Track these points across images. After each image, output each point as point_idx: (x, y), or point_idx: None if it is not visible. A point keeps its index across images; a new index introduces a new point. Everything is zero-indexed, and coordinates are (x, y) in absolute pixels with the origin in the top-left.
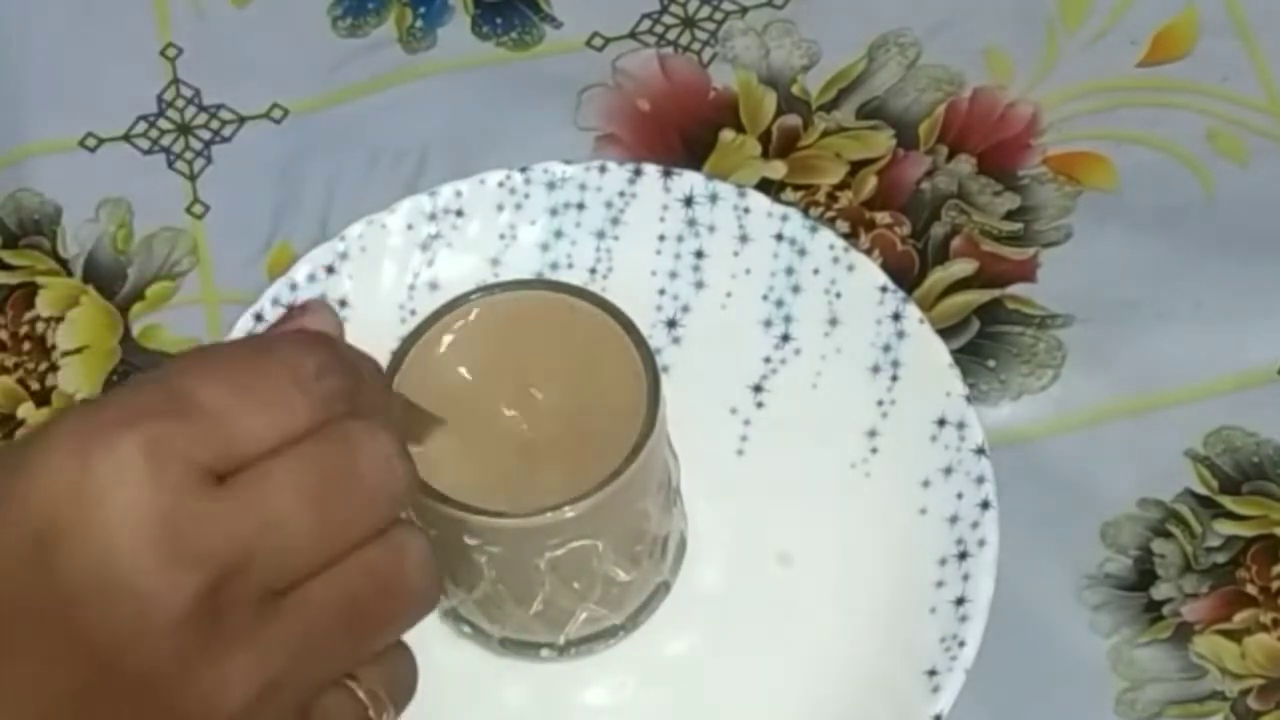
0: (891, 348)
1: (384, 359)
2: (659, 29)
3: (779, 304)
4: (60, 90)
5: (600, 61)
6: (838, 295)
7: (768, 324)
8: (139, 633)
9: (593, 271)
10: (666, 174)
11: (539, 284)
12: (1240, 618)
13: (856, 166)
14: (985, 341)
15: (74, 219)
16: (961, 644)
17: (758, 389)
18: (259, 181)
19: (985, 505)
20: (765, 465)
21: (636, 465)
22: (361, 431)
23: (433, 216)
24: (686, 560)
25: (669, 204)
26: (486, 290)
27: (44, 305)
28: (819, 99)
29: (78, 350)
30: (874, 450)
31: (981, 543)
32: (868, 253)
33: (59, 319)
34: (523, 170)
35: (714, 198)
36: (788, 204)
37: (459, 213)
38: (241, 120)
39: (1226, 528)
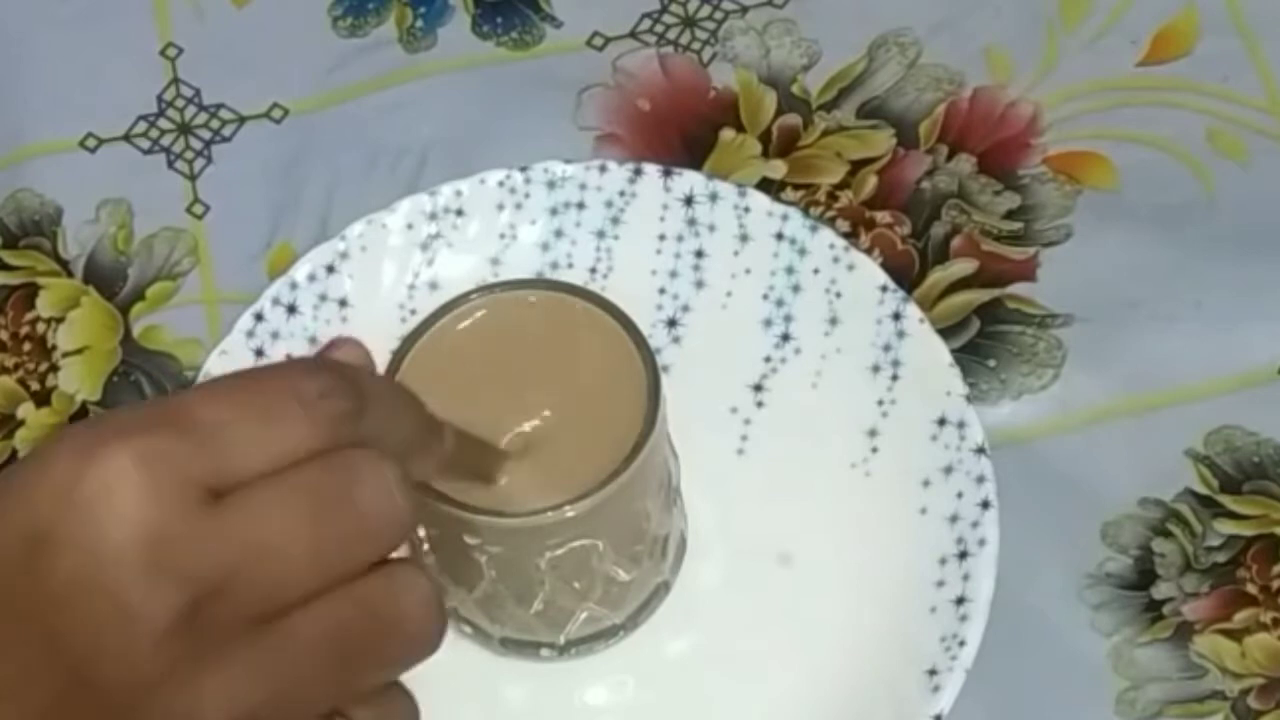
0: (892, 347)
1: (384, 359)
2: (659, 28)
3: (779, 303)
4: (60, 91)
5: (600, 61)
6: (838, 295)
7: (768, 323)
8: (117, 643)
9: (593, 271)
10: (666, 173)
11: (538, 284)
12: (1240, 617)
13: (857, 166)
14: (985, 341)
15: (74, 220)
16: (962, 643)
17: (758, 388)
18: (259, 181)
19: (985, 505)
20: (765, 465)
21: (637, 465)
22: (363, 460)
23: (433, 216)
24: (686, 560)
25: (669, 203)
26: (486, 290)
27: (44, 306)
28: (819, 98)
29: (78, 351)
30: (874, 450)
31: (982, 542)
32: (868, 252)
33: (59, 319)
34: (523, 170)
35: (714, 197)
36: (788, 203)
37: (459, 212)
38: (241, 120)
39: (1227, 527)
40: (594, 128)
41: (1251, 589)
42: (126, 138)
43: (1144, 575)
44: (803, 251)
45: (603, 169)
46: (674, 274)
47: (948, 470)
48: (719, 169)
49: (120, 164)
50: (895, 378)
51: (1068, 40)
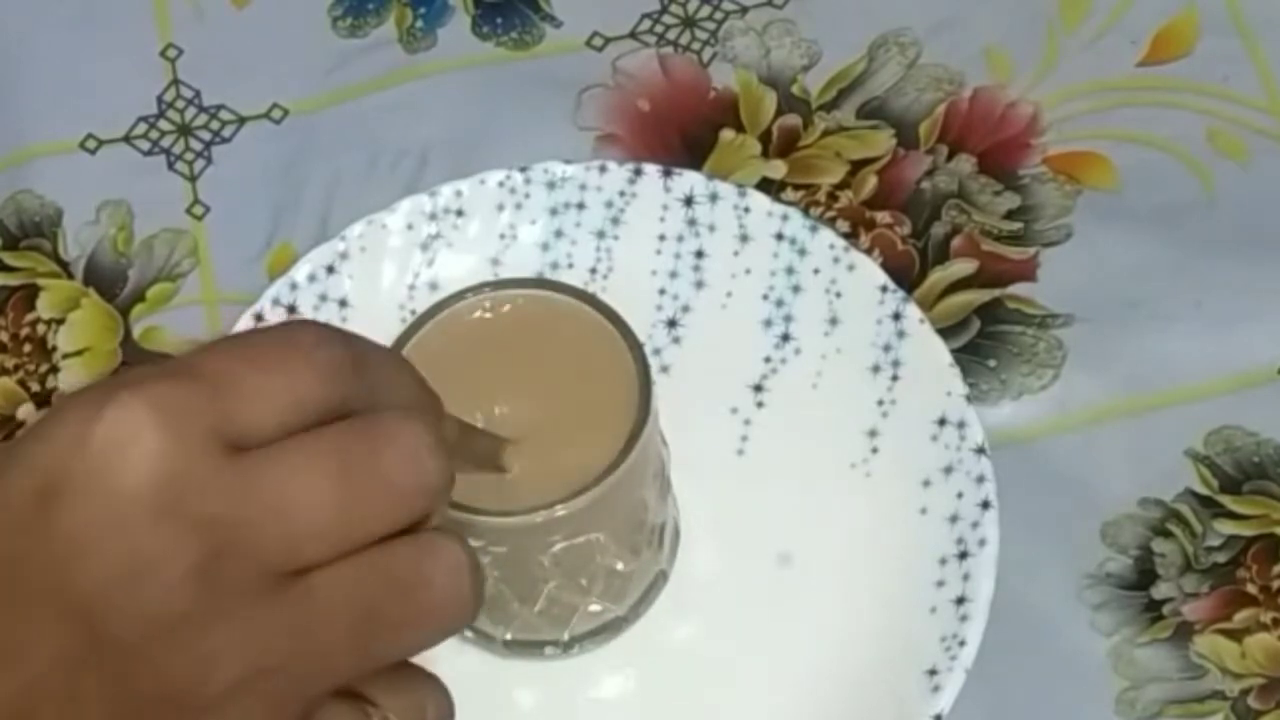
0: (892, 347)
1: None
2: (659, 28)
3: (779, 303)
4: (60, 92)
5: (600, 61)
6: (838, 295)
7: (768, 323)
8: (131, 592)
9: (593, 271)
10: (666, 174)
11: (525, 282)
12: (1240, 617)
13: (857, 166)
14: (985, 341)
15: (74, 221)
16: (962, 643)
17: (758, 389)
18: (259, 182)
19: (985, 505)
20: (765, 465)
21: (634, 456)
22: (390, 421)
23: (433, 216)
24: (688, 559)
25: (669, 204)
26: (475, 289)
27: (45, 307)
28: (819, 99)
29: (78, 352)
30: (874, 450)
31: (982, 542)
32: (868, 252)
33: (60, 321)
34: (523, 170)
35: (714, 197)
36: (788, 203)
37: (459, 212)
38: (241, 121)
39: (1227, 527)
40: (594, 128)
41: (1251, 589)
42: (126, 139)
43: (1144, 575)
44: (803, 252)
45: (603, 169)
46: (674, 274)
47: (948, 470)
48: (719, 169)
49: (120, 165)
50: (895, 378)
51: (1068, 40)
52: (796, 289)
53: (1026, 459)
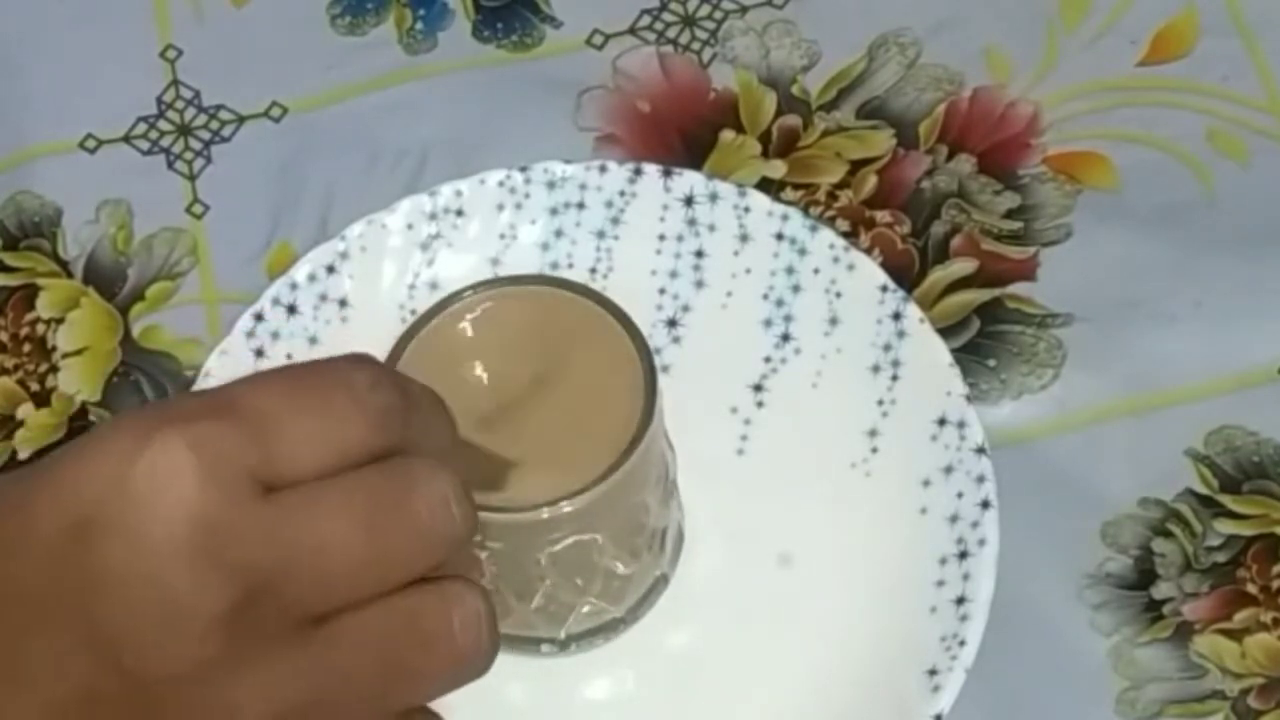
0: (892, 347)
1: (383, 358)
2: (659, 26)
3: (779, 303)
4: (60, 92)
5: (600, 62)
6: (838, 294)
7: (768, 323)
8: (161, 634)
9: (593, 271)
10: (666, 173)
11: (532, 279)
12: (1240, 617)
13: (856, 166)
14: (985, 341)
15: (74, 220)
16: (962, 643)
17: (758, 388)
18: (259, 181)
19: (985, 504)
20: (765, 465)
21: (635, 458)
22: (422, 468)
23: (433, 216)
24: (687, 560)
25: (669, 203)
26: (481, 286)
27: (44, 307)
28: (819, 99)
29: (78, 352)
30: (874, 450)
31: (982, 542)
32: (868, 252)
33: (59, 320)
34: (523, 170)
35: (714, 197)
36: (788, 203)
37: (459, 212)
38: (241, 120)
39: (1227, 527)
40: (594, 129)
41: (1251, 589)
42: (126, 139)
43: (1144, 575)
44: (803, 251)
45: (603, 169)
46: (674, 274)
47: (948, 470)
48: (719, 170)
49: (120, 165)
50: (895, 378)
51: (1068, 40)
52: (796, 289)
53: (1026, 459)
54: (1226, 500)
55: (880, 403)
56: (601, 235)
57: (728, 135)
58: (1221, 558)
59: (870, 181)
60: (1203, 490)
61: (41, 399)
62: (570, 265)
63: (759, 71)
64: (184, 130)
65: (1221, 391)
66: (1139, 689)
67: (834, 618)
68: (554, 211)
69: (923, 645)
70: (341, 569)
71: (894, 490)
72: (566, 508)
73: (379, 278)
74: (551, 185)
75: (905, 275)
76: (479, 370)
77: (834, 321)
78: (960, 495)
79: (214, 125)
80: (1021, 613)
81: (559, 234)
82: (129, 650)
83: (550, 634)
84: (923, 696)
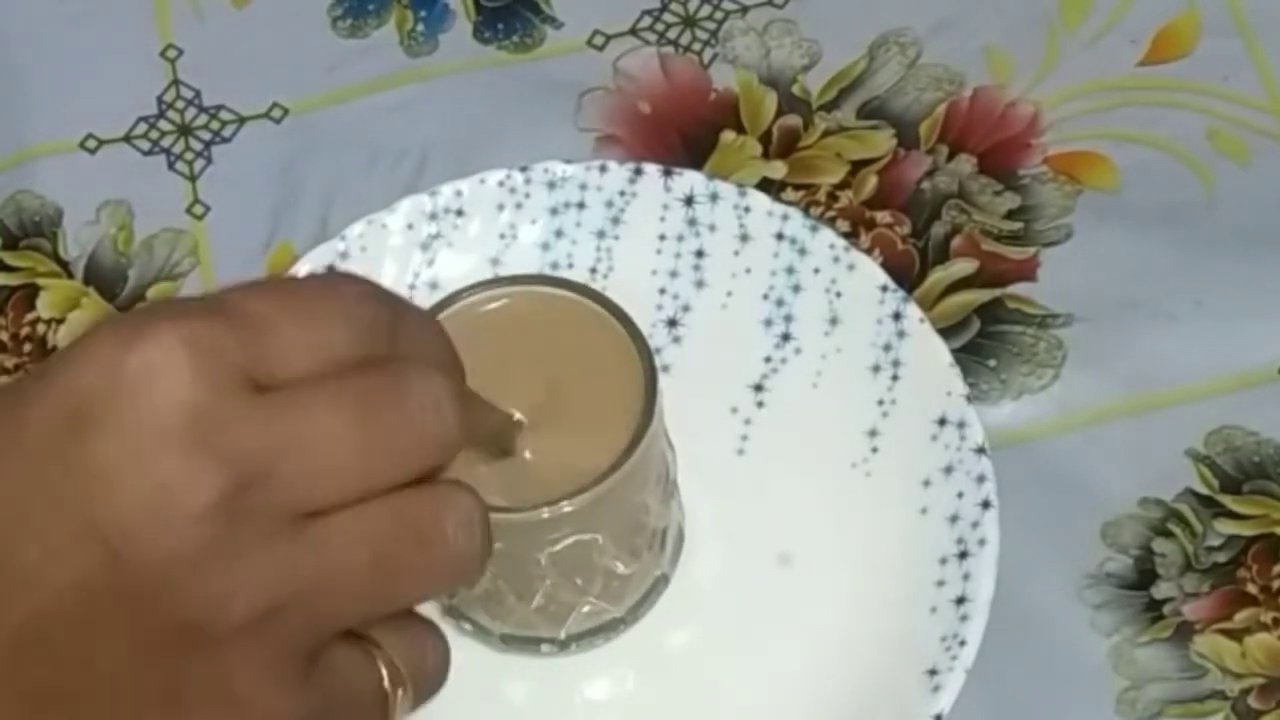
0: (892, 347)
1: None
2: (659, 26)
3: (779, 303)
4: (60, 92)
5: (601, 63)
6: (838, 294)
7: (768, 323)
8: (153, 521)
9: (593, 271)
10: (667, 173)
11: (531, 279)
12: (1241, 617)
13: (857, 166)
14: (986, 341)
15: (75, 221)
16: (962, 643)
17: (758, 388)
18: (259, 181)
19: (986, 504)
20: (765, 465)
21: (635, 458)
22: (414, 371)
23: (433, 216)
24: (687, 560)
25: (669, 203)
26: (481, 287)
27: (45, 307)
28: (819, 99)
29: None
30: (874, 449)
31: (982, 542)
32: (868, 252)
33: (60, 321)
34: (523, 170)
35: (714, 197)
36: (788, 203)
37: (459, 212)
38: (241, 120)
39: (1227, 527)
40: (594, 129)
41: (1252, 589)
42: (127, 139)
43: (1144, 575)
44: (803, 251)
45: (603, 169)
46: (674, 274)
47: (948, 470)
48: (719, 170)
49: (120, 165)
50: (895, 378)
51: (1068, 40)
52: (797, 289)
53: (1026, 459)
54: (1227, 500)
55: (880, 403)
56: (602, 235)
57: (728, 135)
58: (1222, 558)
59: (871, 182)
60: (1203, 490)
61: None
62: (570, 265)
63: (759, 71)
64: (185, 130)
65: (1221, 391)
66: (1139, 689)
67: (834, 617)
68: (554, 211)
69: (923, 645)
70: (333, 463)
71: (894, 490)
72: (566, 508)
73: (379, 278)
74: (552, 185)
75: (905, 275)
76: (479, 371)
77: (834, 321)
78: (960, 495)
79: (215, 125)
80: (1021, 613)
81: (559, 234)
82: (124, 540)
83: (550, 634)
84: (923, 696)
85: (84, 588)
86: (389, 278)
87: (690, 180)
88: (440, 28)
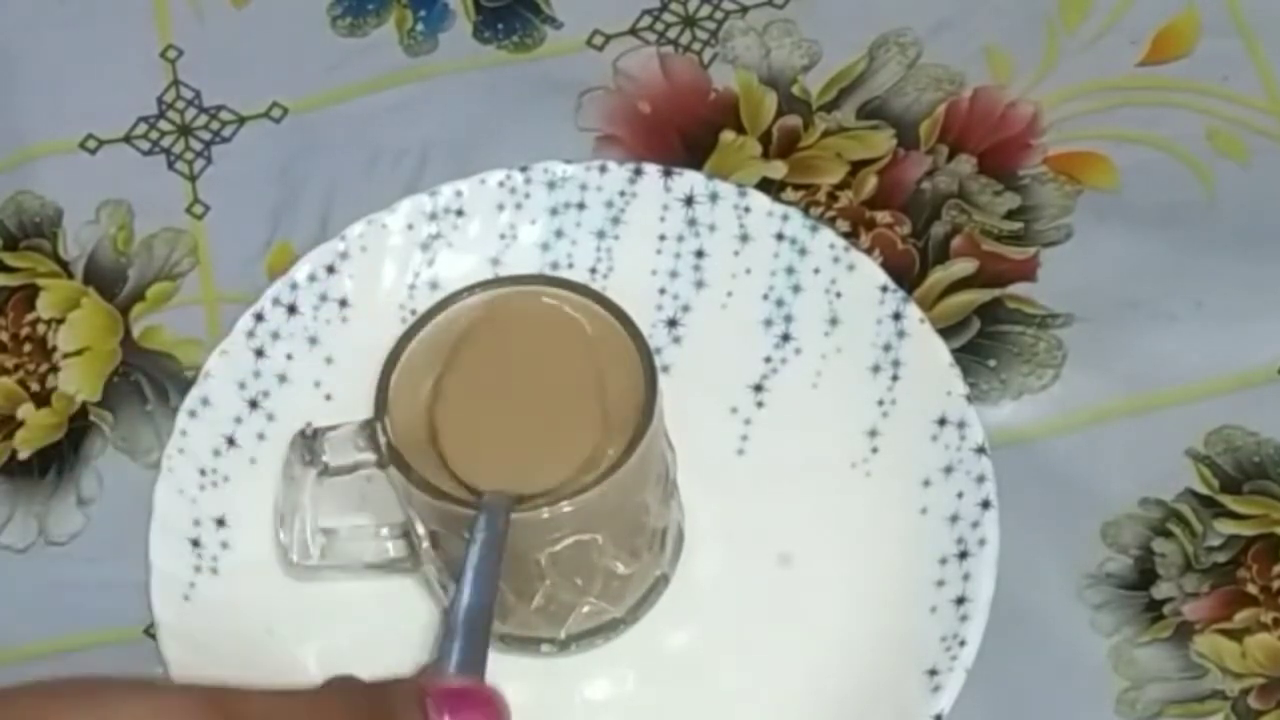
0: (892, 347)
1: (383, 358)
2: (659, 26)
3: (779, 303)
4: (60, 92)
5: (601, 63)
6: (838, 295)
7: (768, 323)
8: None
9: (593, 271)
10: (667, 173)
11: (533, 279)
12: (1241, 617)
13: (857, 166)
14: (986, 341)
15: (74, 221)
16: (962, 643)
17: (758, 388)
18: (259, 181)
19: (986, 504)
20: (765, 465)
21: (635, 458)
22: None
23: (433, 216)
24: (688, 560)
25: (669, 203)
26: (482, 286)
27: (45, 307)
28: (819, 99)
29: (78, 352)
30: (874, 449)
31: (982, 542)
32: (868, 252)
33: (60, 320)
34: (523, 170)
35: (714, 197)
36: (788, 203)
37: (459, 212)
38: (241, 120)
39: (1227, 527)
40: (594, 129)
41: (1252, 589)
42: (127, 139)
43: (1144, 575)
44: (803, 251)
45: (603, 169)
46: (674, 274)
47: (948, 470)
48: (719, 170)
49: (120, 165)
50: (895, 378)
51: (1068, 40)
52: (797, 289)
53: (1026, 459)
54: (1227, 500)
55: (880, 403)
56: (601, 235)
57: (728, 136)
58: (1222, 558)
59: (870, 182)
60: (1203, 490)
61: (42, 399)
62: (570, 265)
63: (759, 72)
64: (184, 130)
65: (1221, 391)
66: (1139, 689)
67: (834, 618)
68: (554, 211)
69: (923, 645)
70: None
71: (894, 490)
72: (566, 508)
73: (379, 278)
74: (552, 185)
75: (905, 275)
76: (479, 370)
77: (834, 321)
78: (960, 495)
79: (214, 125)
80: (1021, 613)
81: (559, 234)
82: None
83: (550, 634)
84: (923, 696)
85: None
86: (389, 278)
87: (690, 180)
88: (440, 27)
